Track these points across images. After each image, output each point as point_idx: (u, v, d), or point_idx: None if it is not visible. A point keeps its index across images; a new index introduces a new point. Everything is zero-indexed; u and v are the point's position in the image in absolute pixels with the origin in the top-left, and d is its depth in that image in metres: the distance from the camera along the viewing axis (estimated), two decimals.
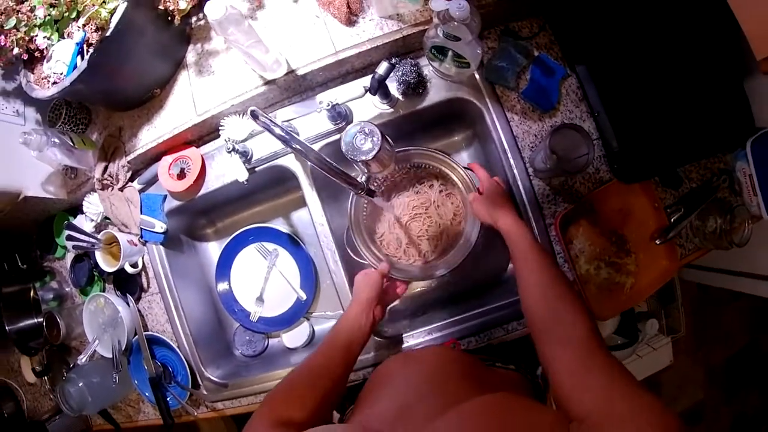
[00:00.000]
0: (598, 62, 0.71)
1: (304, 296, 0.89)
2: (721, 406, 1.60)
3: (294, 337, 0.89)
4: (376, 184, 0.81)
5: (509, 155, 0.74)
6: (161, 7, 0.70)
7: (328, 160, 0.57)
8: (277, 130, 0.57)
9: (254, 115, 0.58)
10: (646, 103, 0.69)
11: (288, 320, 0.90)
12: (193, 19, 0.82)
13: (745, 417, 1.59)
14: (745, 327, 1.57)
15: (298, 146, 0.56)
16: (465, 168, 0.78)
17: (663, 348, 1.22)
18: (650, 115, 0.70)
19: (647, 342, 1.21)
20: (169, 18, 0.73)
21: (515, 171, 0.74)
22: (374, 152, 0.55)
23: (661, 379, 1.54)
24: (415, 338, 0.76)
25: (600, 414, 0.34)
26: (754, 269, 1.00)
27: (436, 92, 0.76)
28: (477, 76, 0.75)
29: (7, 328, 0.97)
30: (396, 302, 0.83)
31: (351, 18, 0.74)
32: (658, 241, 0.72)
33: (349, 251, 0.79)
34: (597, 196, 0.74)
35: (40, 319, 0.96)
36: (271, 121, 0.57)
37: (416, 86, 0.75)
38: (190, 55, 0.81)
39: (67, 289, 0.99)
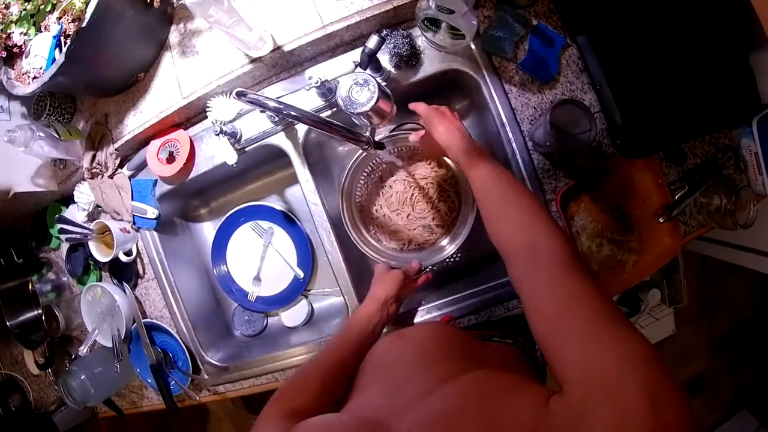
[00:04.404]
0: (599, 32, 0.68)
1: (301, 274, 0.88)
2: (724, 376, 1.60)
3: (293, 316, 0.88)
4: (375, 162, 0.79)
5: (507, 128, 0.72)
6: None
7: (328, 119, 0.56)
8: (271, 104, 0.55)
9: (241, 94, 0.56)
10: (649, 75, 0.66)
11: (286, 298, 0.89)
12: None
13: (747, 388, 1.60)
14: (749, 297, 1.57)
15: (294, 113, 0.54)
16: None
17: (665, 318, 1.22)
18: (654, 88, 0.66)
19: (649, 312, 1.21)
20: (148, 1, 0.70)
21: (514, 145, 0.72)
22: (373, 101, 0.53)
23: (664, 349, 1.55)
24: (415, 317, 0.76)
25: (580, 378, 0.30)
26: (756, 245, 0.99)
27: (430, 64, 0.73)
28: (473, 47, 0.72)
29: (8, 323, 0.97)
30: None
31: None
32: (661, 219, 0.70)
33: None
34: (599, 172, 0.71)
35: (40, 311, 0.97)
36: (260, 95, 0.55)
37: (409, 58, 0.71)
38: (173, 36, 0.78)
39: (64, 279, 0.98)
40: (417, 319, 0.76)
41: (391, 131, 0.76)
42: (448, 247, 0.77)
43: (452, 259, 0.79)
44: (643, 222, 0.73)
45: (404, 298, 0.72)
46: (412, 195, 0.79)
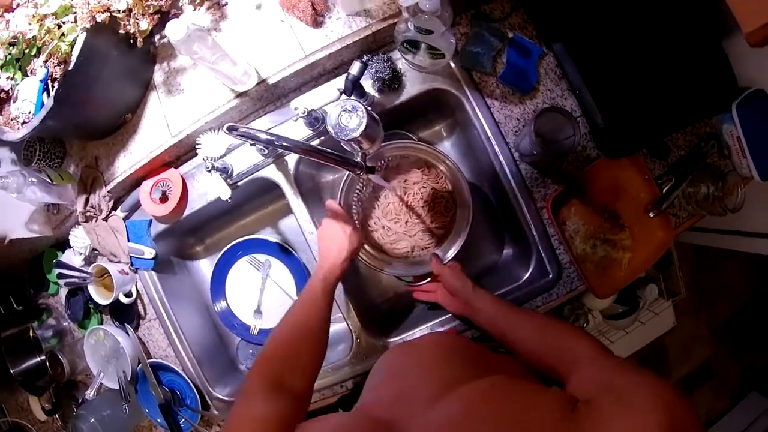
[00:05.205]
0: (574, 37, 0.70)
1: None
2: (729, 361, 1.62)
3: None
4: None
5: (493, 142, 0.73)
6: (122, 31, 0.68)
7: (320, 147, 0.57)
8: (263, 136, 0.56)
9: (232, 129, 0.57)
10: (626, 74, 0.68)
11: None
12: (156, 37, 0.79)
13: (754, 370, 1.61)
14: (746, 281, 1.59)
15: (287, 144, 0.56)
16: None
17: (665, 312, 1.23)
18: (632, 87, 0.68)
19: (648, 307, 1.21)
20: (132, 41, 0.70)
21: (501, 157, 0.73)
22: (363, 126, 0.54)
23: (666, 343, 1.56)
24: (417, 335, 0.76)
25: (602, 390, 0.35)
26: (747, 228, 1.00)
27: (412, 85, 0.74)
28: (453, 65, 0.74)
29: (11, 371, 0.96)
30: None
31: (317, 19, 0.72)
32: (651, 214, 0.71)
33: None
34: (586, 175, 0.73)
35: (43, 358, 0.96)
36: (251, 129, 0.56)
37: (391, 82, 0.73)
38: (158, 75, 0.79)
39: (65, 324, 0.98)
40: (420, 334, 0.76)
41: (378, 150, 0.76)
42: (451, 249, 0.76)
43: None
44: (634, 219, 0.74)
45: None
46: (408, 202, 0.80)
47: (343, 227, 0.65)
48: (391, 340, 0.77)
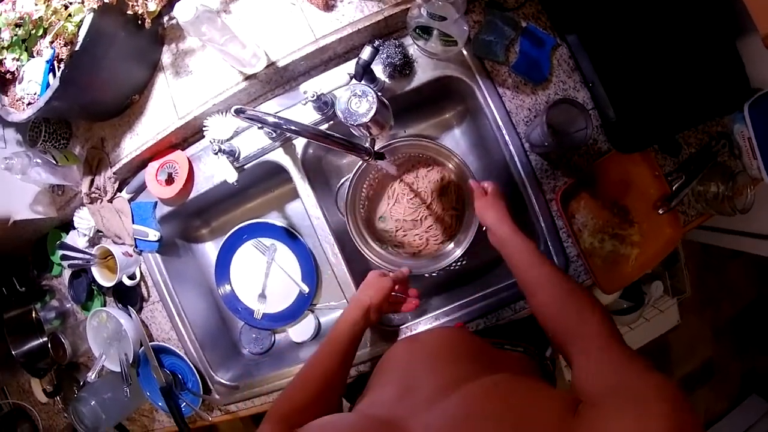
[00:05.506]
0: (588, 29, 0.69)
1: (306, 289, 0.88)
2: (731, 362, 1.62)
3: (300, 331, 0.88)
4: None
5: (504, 131, 0.72)
6: (130, 12, 0.67)
7: (328, 132, 0.56)
8: (270, 119, 0.55)
9: (239, 111, 0.56)
10: (640, 69, 0.67)
11: (292, 314, 0.89)
12: (165, 18, 0.78)
13: (756, 372, 1.61)
14: (750, 282, 1.58)
15: (295, 128, 0.55)
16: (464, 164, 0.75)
17: (669, 309, 1.22)
18: (645, 82, 0.67)
19: (653, 304, 1.21)
20: (140, 22, 0.70)
21: (511, 147, 0.72)
22: (372, 112, 0.54)
23: (670, 340, 1.56)
24: (422, 325, 0.76)
25: (605, 393, 0.34)
26: (754, 229, 1.00)
27: (423, 72, 0.73)
28: (465, 53, 0.73)
29: (13, 352, 0.96)
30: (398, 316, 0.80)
31: (329, 2, 0.71)
32: (661, 211, 0.71)
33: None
34: (596, 168, 0.72)
35: (45, 339, 0.96)
36: (259, 112, 0.56)
37: (402, 68, 0.72)
38: (166, 57, 0.78)
39: (68, 306, 0.98)
40: (426, 326, 0.76)
41: (389, 142, 0.77)
42: (457, 249, 0.77)
43: (460, 263, 0.79)
44: (643, 215, 0.73)
45: (389, 311, 0.71)
46: (415, 198, 0.80)
47: (375, 281, 0.68)
48: (395, 327, 0.77)
